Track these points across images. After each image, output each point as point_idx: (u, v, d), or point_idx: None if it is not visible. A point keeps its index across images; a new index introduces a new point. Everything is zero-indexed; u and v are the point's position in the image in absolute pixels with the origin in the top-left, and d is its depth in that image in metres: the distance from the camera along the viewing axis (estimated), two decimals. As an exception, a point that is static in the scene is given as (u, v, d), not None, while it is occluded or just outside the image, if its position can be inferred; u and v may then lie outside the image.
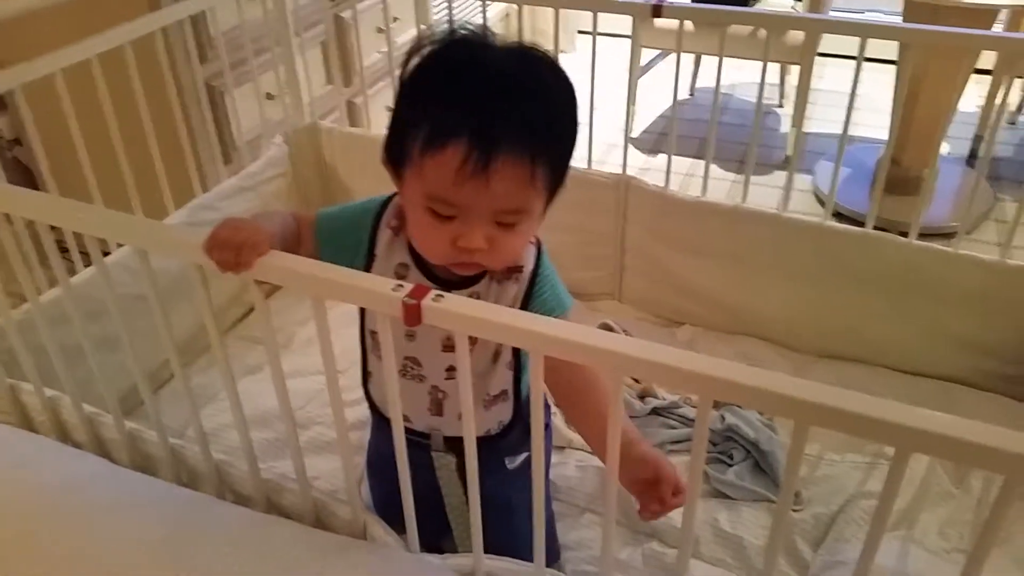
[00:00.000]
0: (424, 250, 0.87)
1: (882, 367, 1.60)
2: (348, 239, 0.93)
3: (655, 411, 1.53)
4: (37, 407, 1.13)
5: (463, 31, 0.83)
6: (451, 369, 0.94)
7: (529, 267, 0.92)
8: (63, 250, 1.29)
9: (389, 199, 0.94)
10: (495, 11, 3.33)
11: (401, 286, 0.71)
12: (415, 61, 0.82)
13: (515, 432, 1.01)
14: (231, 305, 1.73)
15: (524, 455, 1.04)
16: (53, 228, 0.94)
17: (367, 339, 1.00)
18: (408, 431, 1.02)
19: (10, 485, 0.93)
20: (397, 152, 0.83)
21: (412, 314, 0.71)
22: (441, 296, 0.70)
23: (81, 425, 1.10)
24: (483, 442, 1.00)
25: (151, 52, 1.47)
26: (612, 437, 0.73)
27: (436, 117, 0.78)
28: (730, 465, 1.41)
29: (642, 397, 1.56)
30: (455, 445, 1.00)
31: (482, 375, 0.97)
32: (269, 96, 1.97)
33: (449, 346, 0.92)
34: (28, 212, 0.91)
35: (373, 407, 1.05)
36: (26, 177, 2.11)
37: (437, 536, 1.13)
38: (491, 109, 0.77)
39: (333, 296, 0.75)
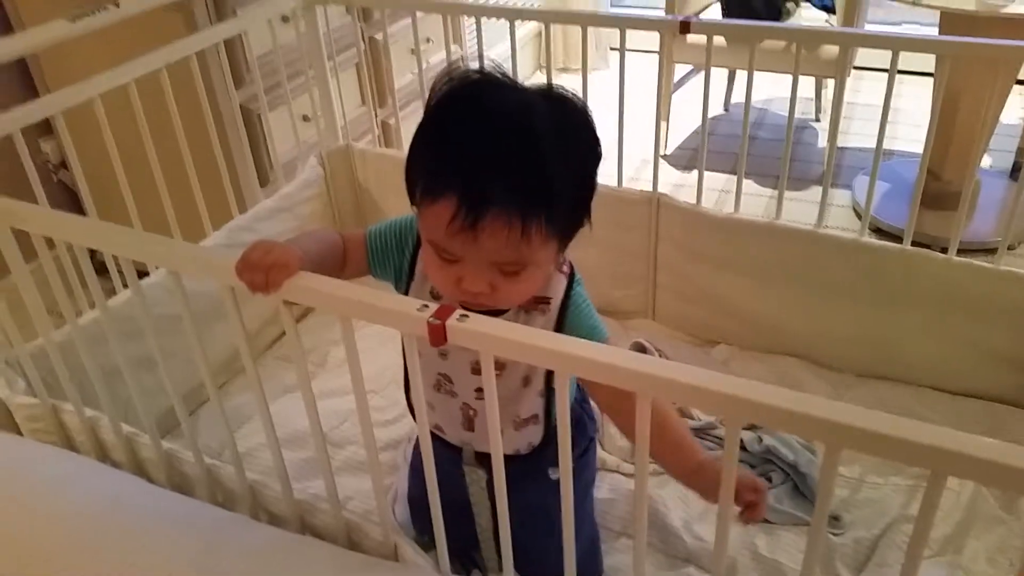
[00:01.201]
0: (436, 287, 0.89)
1: (924, 387, 1.56)
2: (394, 256, 0.96)
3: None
4: (77, 427, 1.15)
5: (479, 73, 0.83)
6: (480, 390, 0.94)
7: (558, 298, 0.92)
8: (102, 271, 1.32)
9: None
10: (527, 30, 3.35)
11: (426, 306, 0.72)
12: (434, 98, 0.83)
13: (552, 448, 1.01)
14: (267, 326, 1.75)
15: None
16: (93, 252, 0.97)
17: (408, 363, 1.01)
18: (442, 443, 1.04)
19: (49, 503, 0.94)
20: (410, 190, 0.85)
21: (437, 334, 0.71)
22: (466, 316, 0.71)
23: (119, 445, 1.12)
24: (515, 460, 1.01)
25: (187, 76, 1.51)
26: (640, 459, 0.72)
27: (432, 170, 0.80)
28: (769, 488, 1.39)
29: (676, 416, 1.54)
30: (486, 461, 1.00)
31: (511, 399, 0.97)
32: (305, 118, 2.00)
33: (479, 368, 0.91)
34: (65, 235, 0.93)
35: (414, 415, 1.06)
36: (72, 200, 2.16)
37: (468, 548, 1.13)
38: (484, 167, 0.77)
39: (359, 316, 0.76)
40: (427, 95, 0.86)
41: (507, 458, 0.99)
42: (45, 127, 2.13)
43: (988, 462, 0.56)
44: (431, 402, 1.01)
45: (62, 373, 1.09)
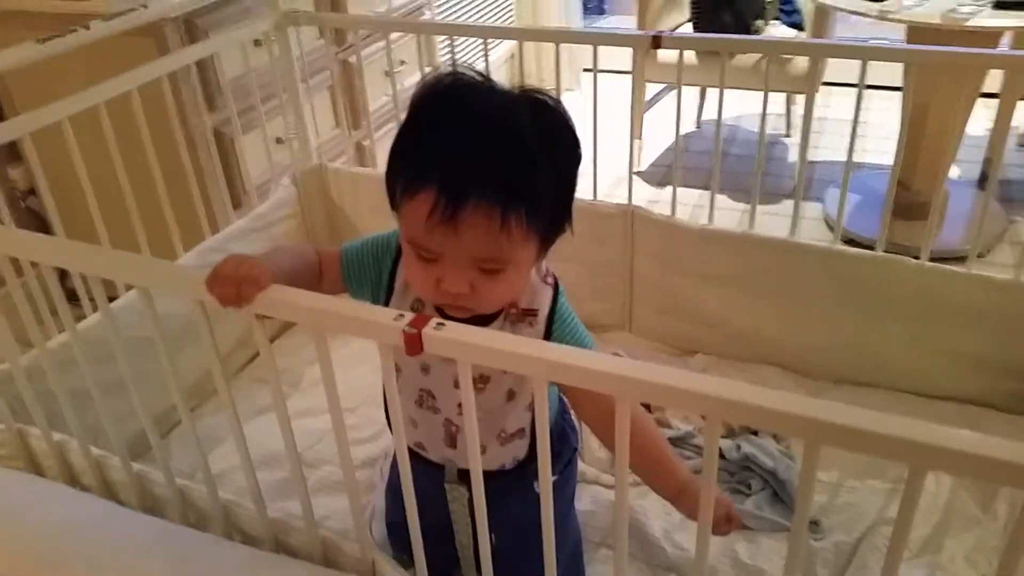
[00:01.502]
0: (416, 289, 0.88)
1: (901, 391, 1.57)
2: (371, 272, 0.95)
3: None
4: (45, 452, 1.12)
5: (459, 75, 0.83)
6: (462, 405, 0.93)
7: (545, 310, 0.91)
8: (73, 299, 1.30)
9: None
10: (500, 52, 3.37)
11: (402, 315, 0.71)
12: (414, 100, 0.83)
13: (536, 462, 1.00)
14: (240, 347, 1.73)
15: (553, 478, 1.03)
16: (63, 279, 0.95)
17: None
18: (424, 460, 1.02)
19: (16, 528, 0.92)
20: (390, 193, 0.84)
21: (413, 343, 0.70)
22: (442, 324, 0.70)
23: (89, 468, 1.09)
24: (500, 475, 1.00)
25: (159, 99, 1.49)
26: (619, 466, 0.72)
27: (411, 164, 0.79)
28: (748, 495, 1.38)
29: (656, 429, 1.54)
30: (469, 478, 0.98)
31: (497, 413, 0.96)
32: (279, 140, 1.99)
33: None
34: (31, 254, 0.92)
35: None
36: (41, 227, 2.13)
37: (448, 567, 1.11)
38: (461, 159, 0.77)
39: (334, 328, 0.75)
40: (407, 107, 0.85)
41: (491, 473, 0.98)
42: (13, 154, 2.11)
43: (967, 454, 0.56)
44: (413, 418, 0.99)
45: (28, 397, 1.07)
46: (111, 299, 1.35)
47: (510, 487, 0.99)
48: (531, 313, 0.90)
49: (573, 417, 1.12)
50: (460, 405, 0.92)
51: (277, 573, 0.88)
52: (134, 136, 1.45)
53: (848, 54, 1.43)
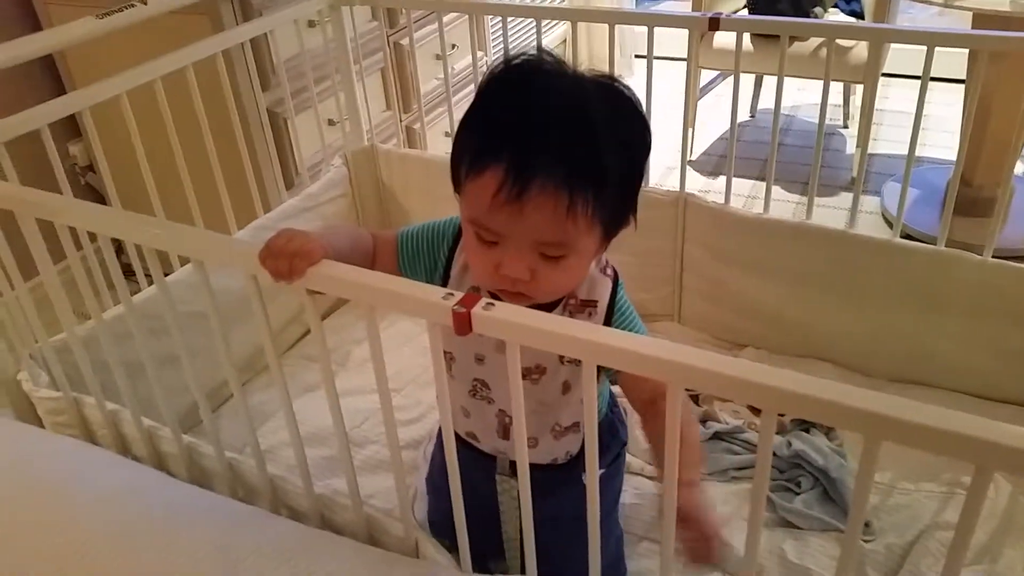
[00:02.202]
0: (474, 274, 0.87)
1: (959, 392, 1.53)
2: (425, 259, 0.94)
3: (717, 435, 1.49)
4: (99, 420, 1.15)
5: (532, 56, 0.82)
6: None
7: (604, 301, 0.90)
8: (129, 273, 1.32)
9: None
10: (553, 36, 3.34)
11: (451, 295, 0.70)
12: (485, 80, 0.82)
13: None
14: (290, 324, 1.75)
15: (601, 471, 1.01)
16: (119, 255, 0.96)
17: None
18: (475, 450, 1.02)
19: (68, 494, 0.94)
20: (454, 178, 0.83)
21: (462, 322, 0.69)
22: (492, 304, 0.69)
23: (141, 439, 1.11)
24: (552, 468, 0.99)
25: (214, 77, 1.51)
26: (669, 455, 0.70)
27: (479, 142, 0.78)
28: (797, 493, 1.35)
29: (704, 421, 1.51)
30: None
31: (552, 406, 0.95)
32: (331, 122, 2.00)
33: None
34: (88, 224, 0.93)
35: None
36: (100, 203, 2.18)
37: (486, 558, 1.10)
38: (531, 137, 0.75)
39: (384, 305, 0.74)
40: (480, 87, 0.83)
41: (543, 467, 0.98)
42: (73, 131, 2.16)
43: (1038, 455, 0.54)
44: (466, 407, 0.99)
45: (84, 367, 1.09)
46: (166, 274, 1.38)
47: (561, 481, 0.98)
48: (590, 304, 0.89)
49: (622, 410, 1.10)
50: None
51: (322, 549, 0.88)
52: (189, 114, 1.47)
53: (913, 39, 1.38)
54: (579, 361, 0.89)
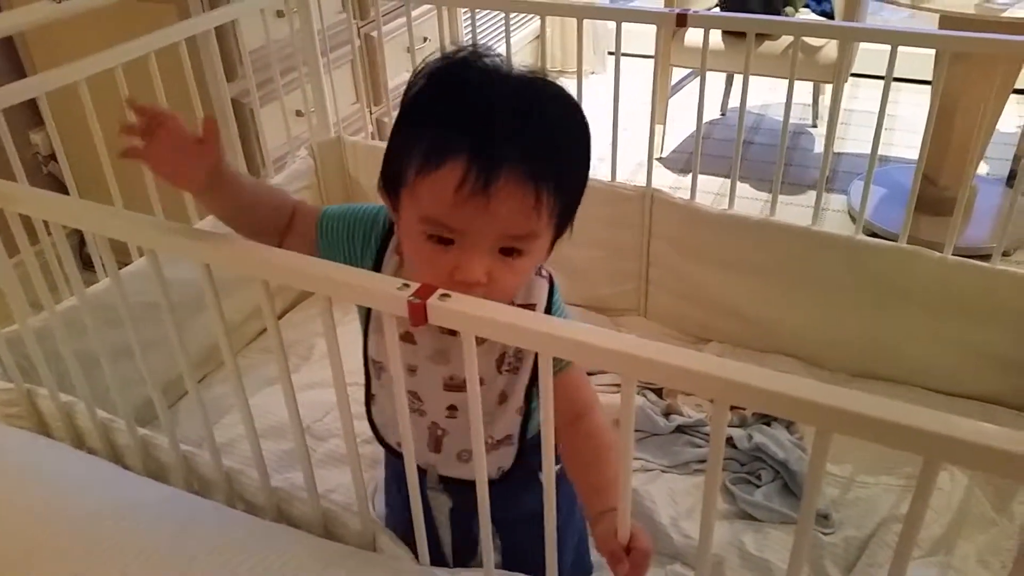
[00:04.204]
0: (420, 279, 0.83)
1: (919, 387, 1.55)
2: (347, 247, 0.89)
3: (680, 429, 1.49)
4: (53, 412, 1.12)
5: (472, 51, 0.79)
6: (452, 408, 0.90)
7: (542, 304, 0.88)
8: (89, 266, 1.29)
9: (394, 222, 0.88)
10: (526, 33, 3.34)
11: (407, 285, 0.69)
12: (416, 85, 0.78)
13: (533, 459, 0.96)
14: (250, 319, 1.73)
15: (557, 467, 1.00)
16: (81, 246, 0.94)
17: (369, 367, 0.95)
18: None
19: (20, 488, 0.92)
20: (393, 178, 0.79)
21: (417, 313, 0.68)
22: (447, 295, 0.68)
23: (95, 431, 1.09)
24: (489, 484, 0.95)
25: (178, 67, 1.49)
26: (624, 452, 0.70)
27: (434, 134, 0.73)
28: (758, 486, 1.36)
29: (667, 415, 1.52)
30: (451, 486, 0.96)
31: (486, 418, 0.91)
32: (299, 114, 1.98)
33: (451, 386, 0.88)
34: (40, 212, 0.90)
35: (377, 435, 1.01)
36: (62, 192, 2.14)
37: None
38: (493, 127, 0.72)
39: (338, 295, 0.73)
40: (413, 82, 0.79)
41: (474, 485, 0.95)
42: (36, 119, 2.12)
43: (984, 447, 0.54)
44: (396, 419, 0.95)
45: (37, 358, 1.07)
46: (124, 265, 1.35)
47: (501, 497, 0.94)
48: (528, 308, 0.87)
49: None
50: (448, 408, 0.90)
51: (277, 542, 0.87)
52: (152, 102, 1.44)
53: (878, 38, 1.39)
54: (516, 369, 0.88)
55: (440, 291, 0.68)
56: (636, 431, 1.47)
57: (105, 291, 1.33)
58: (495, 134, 0.72)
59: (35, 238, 1.08)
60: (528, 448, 0.93)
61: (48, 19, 1.17)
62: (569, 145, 0.78)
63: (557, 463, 0.99)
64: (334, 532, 0.96)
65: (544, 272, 0.90)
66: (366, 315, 0.90)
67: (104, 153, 1.37)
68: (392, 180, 0.79)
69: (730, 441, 1.43)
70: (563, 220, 0.81)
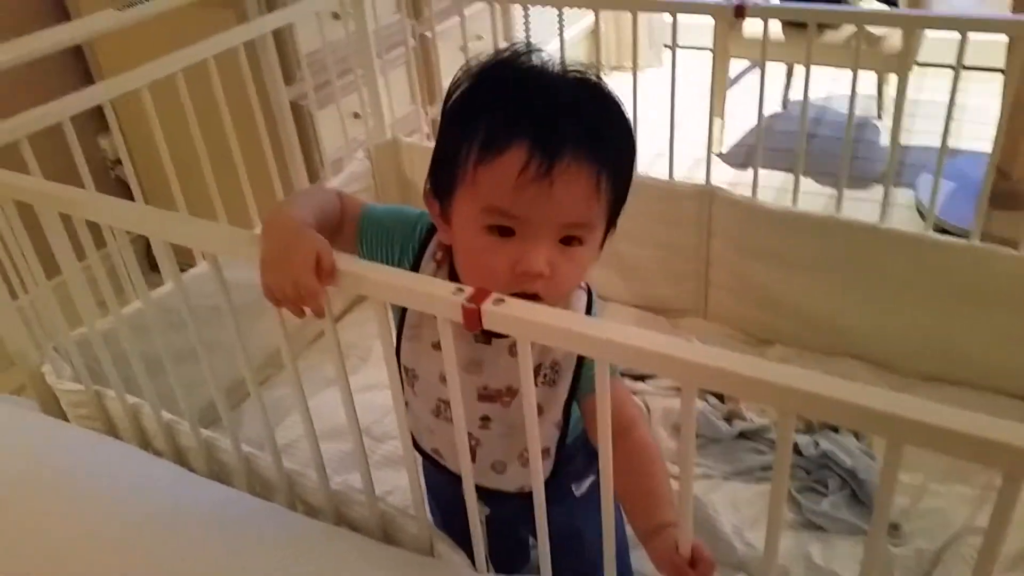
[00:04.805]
0: (477, 282, 0.76)
1: (995, 392, 1.48)
2: (385, 248, 0.89)
3: (743, 434, 1.46)
4: (120, 414, 1.15)
5: (511, 52, 0.80)
6: (485, 419, 0.89)
7: (581, 314, 0.87)
8: (157, 270, 1.32)
9: (433, 227, 0.87)
10: (579, 28, 3.31)
11: (461, 290, 0.69)
12: (463, 86, 0.79)
13: (568, 470, 0.95)
14: (313, 320, 1.73)
15: (591, 479, 0.99)
16: (148, 250, 0.95)
17: (401, 375, 0.94)
18: (440, 467, 0.96)
19: (83, 487, 0.94)
20: (444, 179, 0.79)
21: (472, 318, 0.68)
22: (502, 300, 0.67)
23: (160, 432, 1.12)
24: (518, 497, 0.92)
25: (239, 70, 1.51)
26: (686, 459, 0.68)
27: (494, 123, 0.74)
28: (825, 495, 1.32)
29: (728, 419, 1.49)
30: (487, 496, 0.93)
31: (521, 429, 0.87)
32: (356, 115, 2.00)
33: (485, 395, 0.87)
34: (96, 216, 0.91)
35: (413, 441, 0.98)
36: (128, 197, 2.19)
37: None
38: (554, 113, 0.73)
39: (391, 298, 0.74)
40: (463, 81, 0.80)
41: (511, 495, 0.93)
42: (104, 124, 2.18)
43: (1071, 462, 0.51)
44: (430, 427, 0.93)
45: (105, 360, 1.10)
46: (190, 268, 1.38)
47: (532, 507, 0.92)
48: None
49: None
50: (481, 418, 0.88)
51: (335, 547, 0.87)
52: (214, 107, 1.47)
53: (946, 25, 1.33)
54: (553, 382, 0.86)
55: (495, 295, 0.68)
56: (697, 436, 1.44)
57: (169, 295, 1.36)
58: (557, 118, 0.73)
59: (102, 241, 1.11)
60: (564, 462, 0.92)
61: (112, 28, 1.20)
62: (621, 136, 0.79)
63: (593, 476, 0.97)
64: (392, 535, 0.96)
65: (583, 284, 0.89)
66: (400, 321, 0.90)
67: (167, 158, 1.40)
68: (444, 181, 0.79)
69: (796, 448, 1.39)
70: (614, 212, 0.81)
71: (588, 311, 0.87)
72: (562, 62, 0.79)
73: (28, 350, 1.20)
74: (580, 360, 0.86)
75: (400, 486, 1.34)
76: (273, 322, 0.84)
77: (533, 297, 0.76)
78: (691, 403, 0.65)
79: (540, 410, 0.87)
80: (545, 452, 0.90)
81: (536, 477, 0.76)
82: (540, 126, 0.72)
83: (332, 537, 0.92)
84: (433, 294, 0.70)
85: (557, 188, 0.72)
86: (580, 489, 0.99)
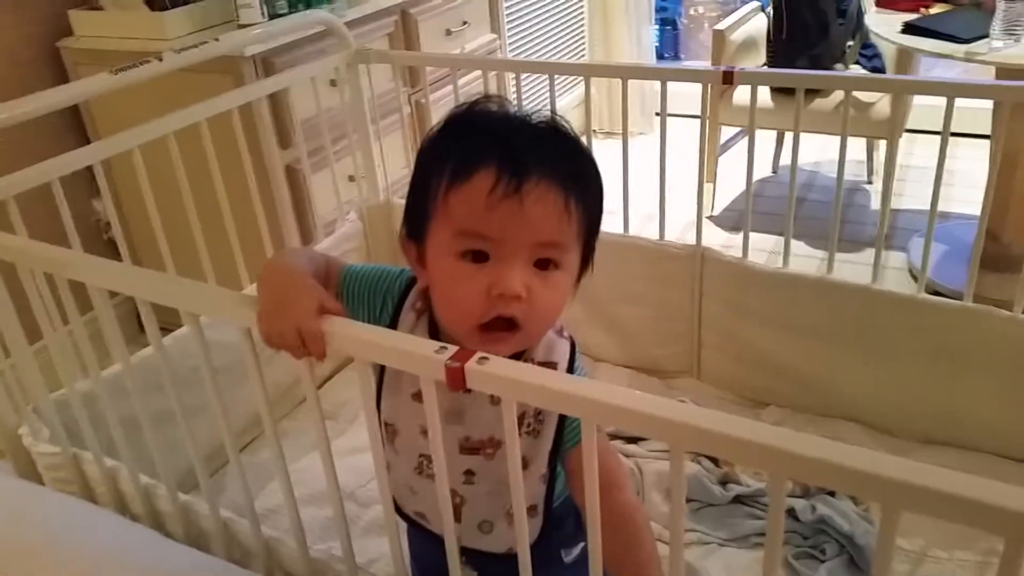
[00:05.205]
0: (453, 314, 0.79)
1: (993, 454, 1.46)
2: (367, 305, 0.89)
3: (738, 499, 1.42)
4: (97, 477, 1.12)
5: (480, 98, 0.83)
6: (469, 473, 0.86)
7: (564, 364, 0.86)
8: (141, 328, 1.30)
9: (413, 279, 0.88)
10: (573, 96, 3.37)
11: (444, 348, 0.67)
12: (433, 130, 0.81)
13: (557, 535, 0.91)
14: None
15: (581, 545, 0.96)
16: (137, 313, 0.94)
17: (382, 432, 0.91)
18: (427, 532, 0.93)
19: (57, 552, 0.91)
20: (418, 218, 0.80)
21: (455, 377, 0.66)
22: (486, 359, 0.66)
23: (138, 496, 1.09)
24: (507, 559, 0.86)
25: (231, 133, 1.52)
26: (674, 522, 0.66)
27: (461, 152, 0.76)
28: (822, 561, 1.29)
29: (724, 483, 1.46)
30: (474, 558, 0.90)
31: (507, 484, 0.87)
32: (351, 179, 2.01)
33: (467, 447, 0.85)
34: (78, 274, 0.90)
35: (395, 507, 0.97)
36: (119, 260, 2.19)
37: None
38: (519, 140, 0.76)
39: (374, 357, 0.72)
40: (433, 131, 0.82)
41: (499, 557, 0.90)
42: (98, 187, 2.19)
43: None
44: (412, 487, 0.91)
45: (83, 421, 1.07)
46: (173, 330, 1.36)
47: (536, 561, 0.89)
48: (550, 365, 0.84)
49: None
50: (465, 472, 0.86)
51: (312, 617, 0.84)
52: (207, 169, 1.47)
53: (933, 90, 1.35)
54: (537, 432, 0.84)
55: (479, 355, 0.67)
56: (690, 501, 1.41)
57: (151, 356, 1.33)
58: (522, 145, 0.75)
59: (90, 306, 1.09)
60: (553, 523, 0.89)
61: (105, 90, 1.21)
62: (587, 170, 0.80)
63: (583, 542, 0.93)
64: (373, 605, 0.93)
65: (565, 334, 0.88)
66: (379, 376, 0.89)
67: (156, 218, 1.40)
68: (418, 219, 0.80)
69: (792, 512, 1.35)
70: (587, 245, 0.82)
71: (571, 360, 0.86)
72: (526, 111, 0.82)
73: (5, 411, 1.18)
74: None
75: (386, 553, 1.29)
76: (256, 385, 0.83)
77: (510, 323, 0.76)
78: (680, 464, 0.63)
79: (525, 463, 0.84)
80: (532, 510, 0.87)
81: (521, 534, 0.73)
82: (506, 149, 0.74)
83: (311, 608, 0.88)
84: (416, 353, 0.69)
85: (528, 205, 0.73)
86: (570, 556, 0.96)
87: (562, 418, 0.84)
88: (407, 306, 0.87)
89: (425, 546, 0.92)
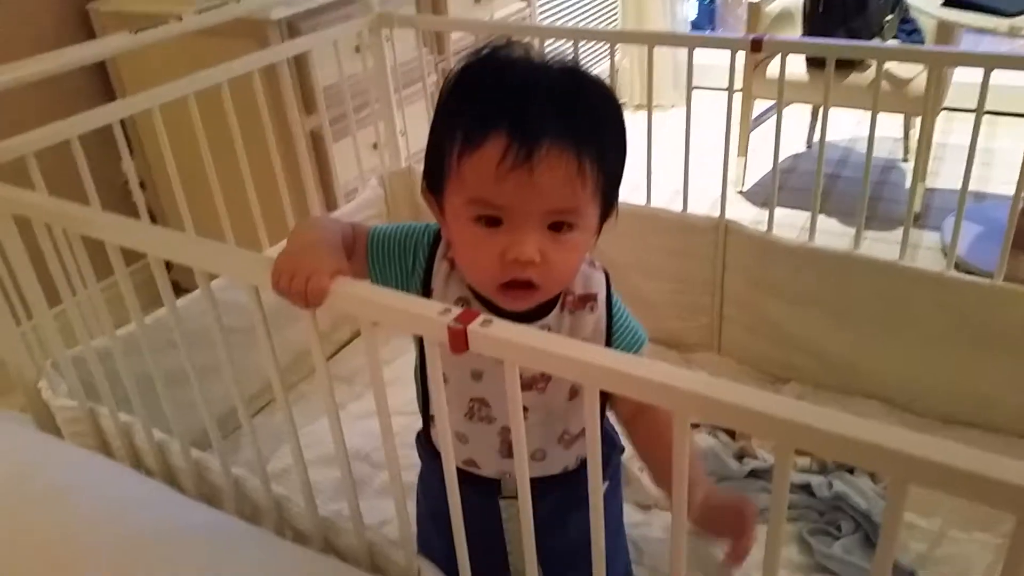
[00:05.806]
0: (473, 275, 0.81)
1: (1017, 436, 1.42)
2: (399, 264, 0.89)
3: (754, 473, 1.41)
4: (113, 432, 1.14)
5: (498, 43, 0.80)
6: (524, 409, 0.87)
7: (602, 294, 0.87)
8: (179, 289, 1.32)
9: (440, 230, 0.88)
10: (601, 69, 3.32)
11: (448, 310, 0.67)
12: (450, 79, 0.80)
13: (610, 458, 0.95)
14: (321, 341, 1.73)
15: (607, 484, 0.95)
16: (169, 269, 0.95)
17: (428, 385, 0.93)
18: (473, 479, 0.95)
19: (70, 504, 0.92)
20: (435, 173, 0.79)
21: (458, 339, 0.66)
22: (489, 321, 0.65)
23: (151, 452, 1.10)
24: (561, 478, 0.93)
25: (254, 99, 1.51)
26: (678, 490, 0.65)
27: (472, 115, 0.74)
28: (837, 538, 1.27)
29: (740, 457, 1.44)
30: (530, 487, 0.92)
31: (558, 414, 0.90)
32: (375, 146, 2.00)
33: (523, 384, 0.85)
34: (87, 229, 0.91)
35: (435, 455, 0.97)
36: (152, 220, 2.21)
37: None
38: (530, 102, 0.73)
39: (378, 319, 0.71)
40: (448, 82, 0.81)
41: (553, 478, 0.92)
42: (129, 146, 2.20)
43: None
44: (463, 433, 0.92)
45: (99, 378, 1.08)
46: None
47: (570, 496, 0.89)
48: (590, 298, 0.86)
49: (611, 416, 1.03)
50: (522, 409, 0.87)
51: (315, 574, 0.84)
52: (231, 134, 1.47)
53: (971, 61, 1.31)
54: None
55: (482, 317, 0.66)
56: (707, 474, 1.39)
57: (168, 316, 1.35)
58: (534, 108, 0.73)
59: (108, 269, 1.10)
60: (606, 439, 0.90)
61: (124, 49, 1.21)
62: (608, 120, 0.78)
63: (608, 480, 0.94)
64: (380, 565, 0.93)
65: (598, 264, 0.89)
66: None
67: (176, 179, 1.40)
68: (435, 176, 0.80)
69: (809, 489, 1.34)
70: (608, 197, 0.80)
71: (608, 291, 0.87)
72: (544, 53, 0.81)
73: (26, 366, 1.19)
74: (609, 332, 0.86)
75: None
76: (281, 339, 0.83)
77: (527, 285, 0.77)
78: (684, 434, 0.62)
79: (574, 393, 0.89)
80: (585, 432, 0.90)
81: (523, 481, 0.73)
82: (517, 115, 0.72)
83: (318, 566, 0.89)
84: (418, 314, 0.68)
85: (538, 175, 0.72)
86: (605, 485, 0.96)
87: (609, 337, 0.87)
88: (439, 256, 0.87)
89: (468, 493, 0.90)
